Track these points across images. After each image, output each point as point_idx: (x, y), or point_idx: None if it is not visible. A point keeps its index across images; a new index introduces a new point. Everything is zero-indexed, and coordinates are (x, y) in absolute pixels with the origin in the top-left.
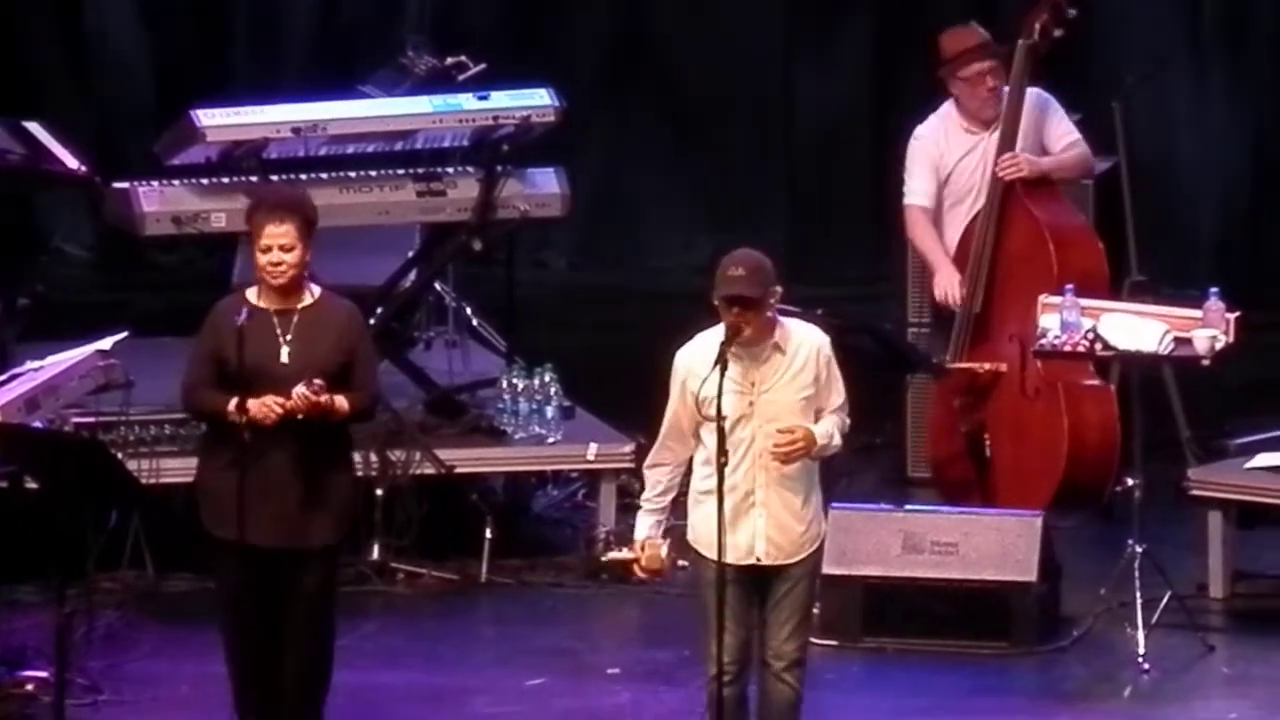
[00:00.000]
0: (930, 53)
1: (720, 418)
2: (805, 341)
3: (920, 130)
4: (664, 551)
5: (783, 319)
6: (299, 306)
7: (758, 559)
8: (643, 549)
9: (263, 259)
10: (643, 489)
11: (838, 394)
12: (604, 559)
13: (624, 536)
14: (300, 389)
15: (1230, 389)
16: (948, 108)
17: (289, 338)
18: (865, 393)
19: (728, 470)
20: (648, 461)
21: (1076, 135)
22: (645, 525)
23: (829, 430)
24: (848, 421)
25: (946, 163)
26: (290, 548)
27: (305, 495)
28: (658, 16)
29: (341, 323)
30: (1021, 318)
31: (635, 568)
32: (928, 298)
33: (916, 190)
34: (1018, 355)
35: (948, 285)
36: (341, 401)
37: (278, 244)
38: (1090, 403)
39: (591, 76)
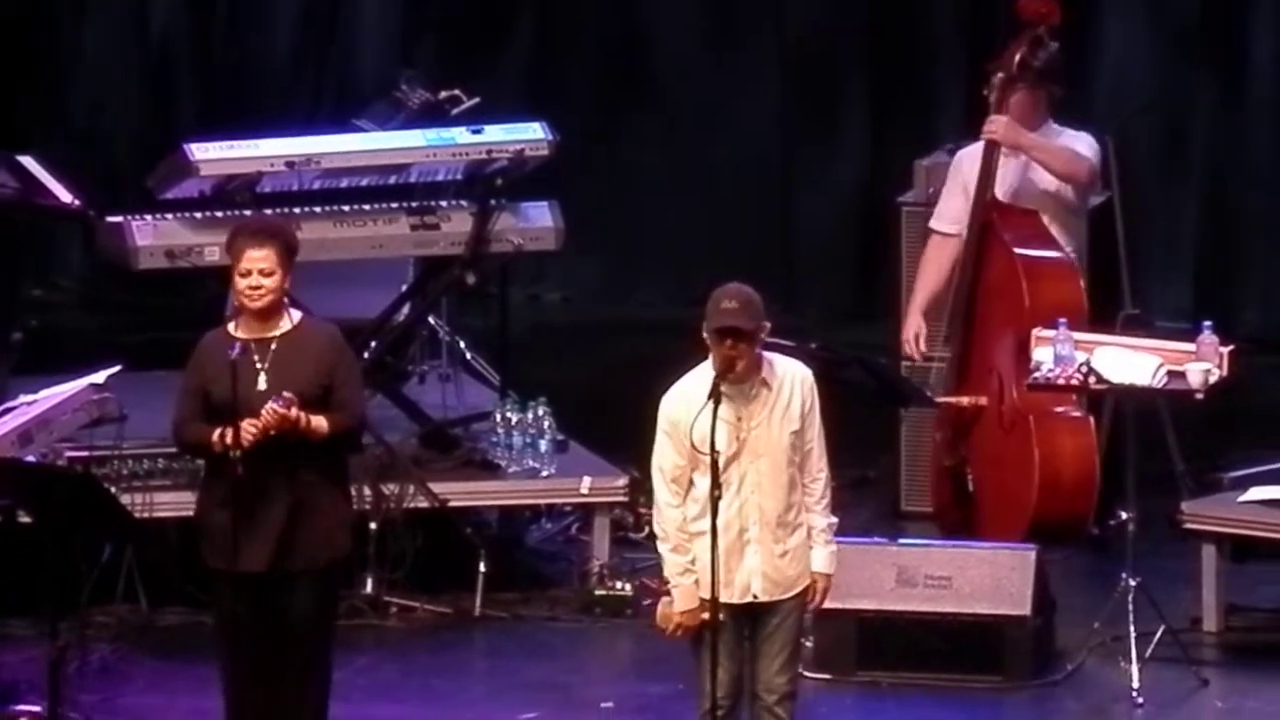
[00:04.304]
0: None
1: (714, 452)
2: (789, 373)
3: (959, 152)
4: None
5: (767, 354)
6: (277, 334)
7: (754, 596)
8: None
9: (242, 283)
10: (635, 522)
11: (816, 426)
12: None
13: (618, 570)
14: (270, 404)
15: (1224, 422)
16: None
17: (266, 365)
18: (858, 426)
19: (720, 507)
20: (661, 502)
21: (1081, 148)
22: (691, 590)
23: (828, 557)
24: (830, 494)
25: (972, 184)
26: (285, 572)
27: (299, 521)
28: (654, 50)
29: (320, 347)
30: (1000, 350)
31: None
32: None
33: (942, 212)
34: (997, 389)
35: (907, 335)
36: (320, 421)
37: (257, 268)
38: (1065, 433)
39: (586, 110)
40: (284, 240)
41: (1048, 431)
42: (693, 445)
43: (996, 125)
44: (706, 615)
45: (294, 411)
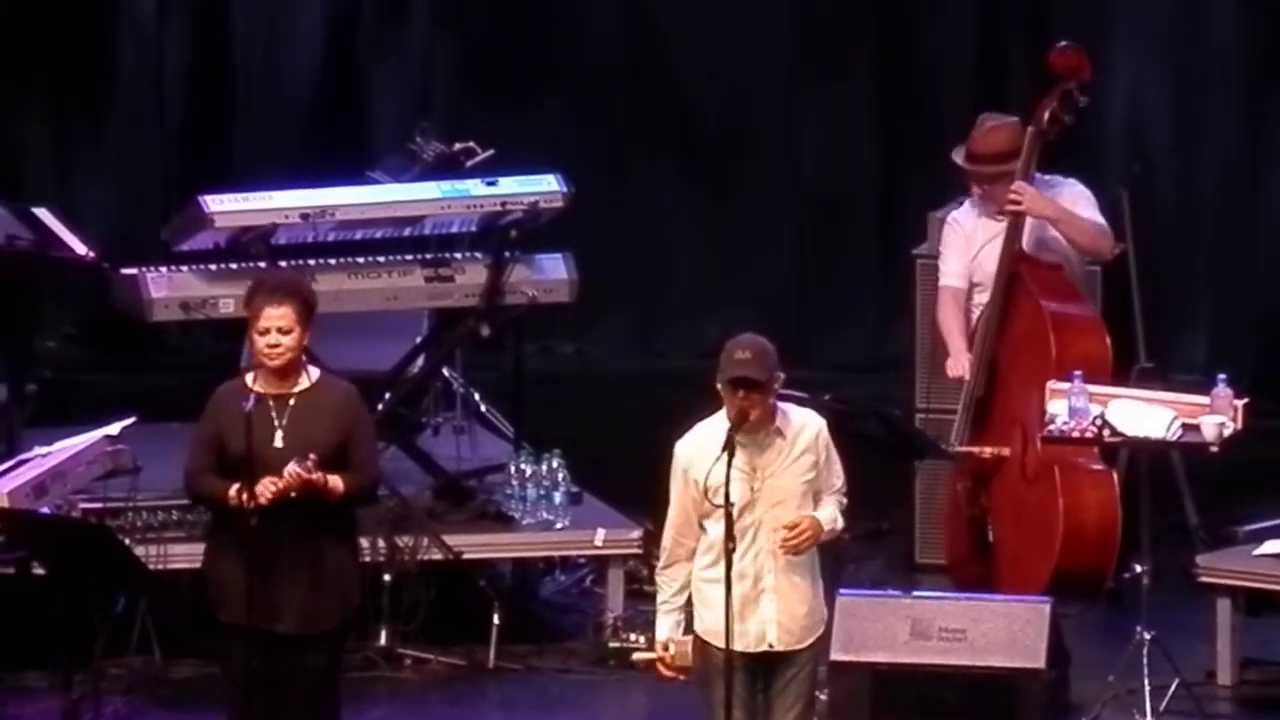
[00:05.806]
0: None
1: (728, 504)
2: (805, 426)
3: (954, 214)
4: (689, 649)
5: (781, 404)
6: (295, 391)
7: (770, 645)
8: (666, 648)
9: (260, 341)
10: (649, 574)
11: (836, 476)
12: (634, 659)
13: (632, 622)
14: (292, 466)
15: (1239, 475)
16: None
17: (284, 422)
18: (873, 478)
19: (735, 557)
20: (661, 563)
21: (1100, 220)
22: (667, 625)
23: (832, 515)
24: (845, 501)
25: (973, 246)
26: (295, 633)
27: (309, 580)
28: (667, 105)
29: (337, 406)
30: (1024, 402)
31: (660, 667)
32: (945, 378)
33: (948, 271)
34: (1020, 439)
35: (957, 365)
36: (336, 481)
37: (276, 326)
38: (1088, 486)
39: (602, 162)
40: (302, 298)
41: (1073, 483)
42: (706, 494)
43: (1023, 197)
44: (676, 649)
45: (317, 475)
